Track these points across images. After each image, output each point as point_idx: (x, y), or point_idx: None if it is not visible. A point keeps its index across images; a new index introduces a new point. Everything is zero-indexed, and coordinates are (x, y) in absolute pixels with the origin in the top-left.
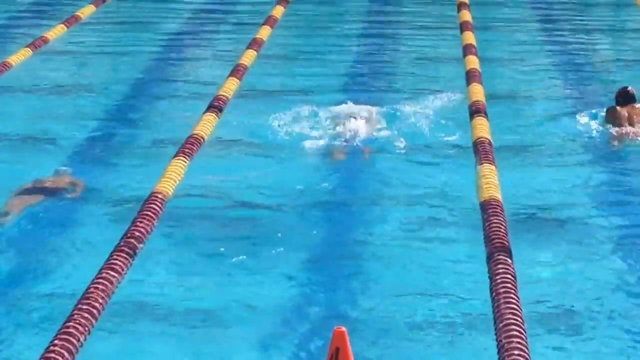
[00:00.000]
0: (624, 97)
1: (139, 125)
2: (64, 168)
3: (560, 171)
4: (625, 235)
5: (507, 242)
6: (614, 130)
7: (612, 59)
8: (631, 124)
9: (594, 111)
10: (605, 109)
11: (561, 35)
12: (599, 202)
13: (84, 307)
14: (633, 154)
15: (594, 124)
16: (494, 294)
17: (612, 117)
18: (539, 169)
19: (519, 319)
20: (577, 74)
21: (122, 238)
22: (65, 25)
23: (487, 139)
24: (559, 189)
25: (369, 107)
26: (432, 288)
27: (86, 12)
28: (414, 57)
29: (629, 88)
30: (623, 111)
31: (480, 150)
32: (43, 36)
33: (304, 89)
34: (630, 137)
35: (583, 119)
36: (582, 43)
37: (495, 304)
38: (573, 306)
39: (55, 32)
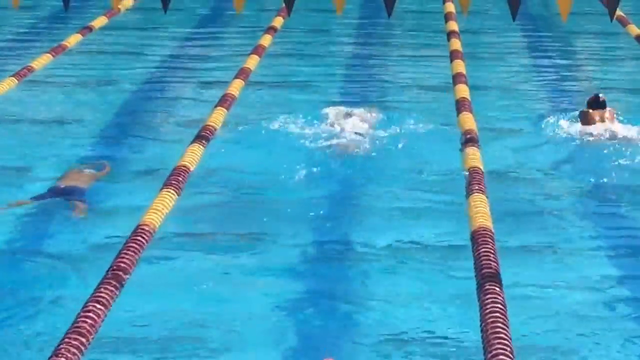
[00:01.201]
0: (595, 104)
1: (126, 155)
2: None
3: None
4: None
5: (497, 271)
6: (587, 129)
7: (601, 85)
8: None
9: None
10: (578, 112)
11: (550, 63)
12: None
13: (72, 340)
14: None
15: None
16: (482, 323)
17: (585, 120)
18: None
19: (508, 349)
20: (566, 99)
21: (108, 270)
22: (51, 54)
23: (479, 168)
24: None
25: (357, 137)
26: (426, 307)
27: (72, 41)
28: (403, 86)
29: (600, 95)
30: (595, 114)
31: (472, 180)
32: (29, 65)
33: (291, 118)
34: (604, 136)
35: (567, 147)
36: (571, 70)
37: (484, 334)
38: (563, 333)
39: (41, 62)
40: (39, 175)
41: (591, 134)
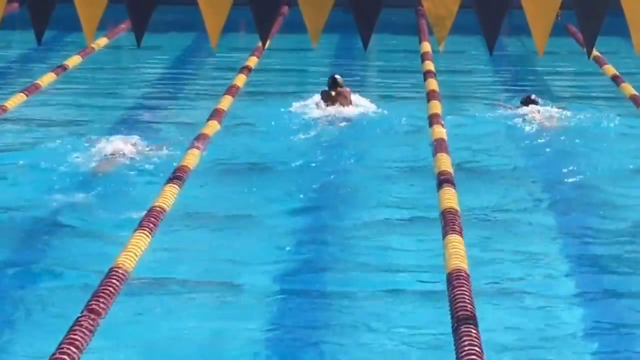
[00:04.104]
0: (527, 102)
1: (100, 194)
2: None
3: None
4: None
5: (472, 313)
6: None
7: (579, 122)
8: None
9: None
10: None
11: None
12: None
13: None
14: None
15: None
16: None
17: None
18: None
19: None
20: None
21: (81, 312)
22: (25, 93)
23: (454, 209)
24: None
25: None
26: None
27: (46, 80)
28: (380, 128)
29: (532, 96)
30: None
31: (447, 221)
32: (2, 105)
33: (265, 159)
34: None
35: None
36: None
37: None
38: None
39: (15, 101)
40: (7, 212)
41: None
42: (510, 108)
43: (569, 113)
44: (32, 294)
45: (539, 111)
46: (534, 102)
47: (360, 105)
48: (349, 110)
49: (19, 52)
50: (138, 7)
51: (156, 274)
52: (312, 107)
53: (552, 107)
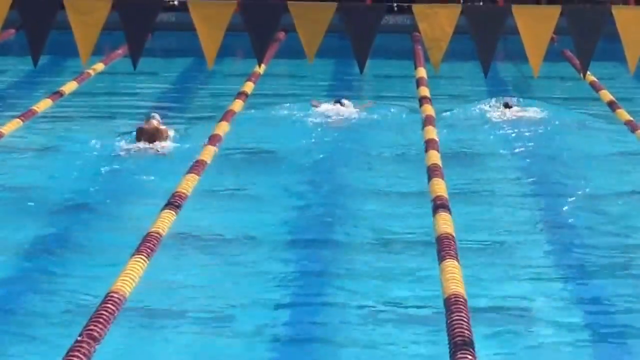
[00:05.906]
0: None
1: (94, 221)
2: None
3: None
4: None
5: (470, 338)
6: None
7: (575, 143)
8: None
9: None
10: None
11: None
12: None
13: None
14: None
15: None
16: None
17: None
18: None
19: None
20: (538, 163)
21: (78, 336)
22: (21, 119)
23: (450, 234)
24: None
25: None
26: None
27: (42, 106)
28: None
29: (509, 102)
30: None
31: (443, 246)
32: None
33: (262, 183)
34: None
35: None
36: (544, 135)
37: None
38: None
39: (10, 127)
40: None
41: None
42: (496, 106)
43: (565, 135)
44: (28, 314)
45: (534, 131)
46: (509, 106)
47: (355, 123)
48: (349, 120)
49: (16, 78)
50: (134, 30)
51: (152, 300)
52: (308, 129)
53: (548, 127)
